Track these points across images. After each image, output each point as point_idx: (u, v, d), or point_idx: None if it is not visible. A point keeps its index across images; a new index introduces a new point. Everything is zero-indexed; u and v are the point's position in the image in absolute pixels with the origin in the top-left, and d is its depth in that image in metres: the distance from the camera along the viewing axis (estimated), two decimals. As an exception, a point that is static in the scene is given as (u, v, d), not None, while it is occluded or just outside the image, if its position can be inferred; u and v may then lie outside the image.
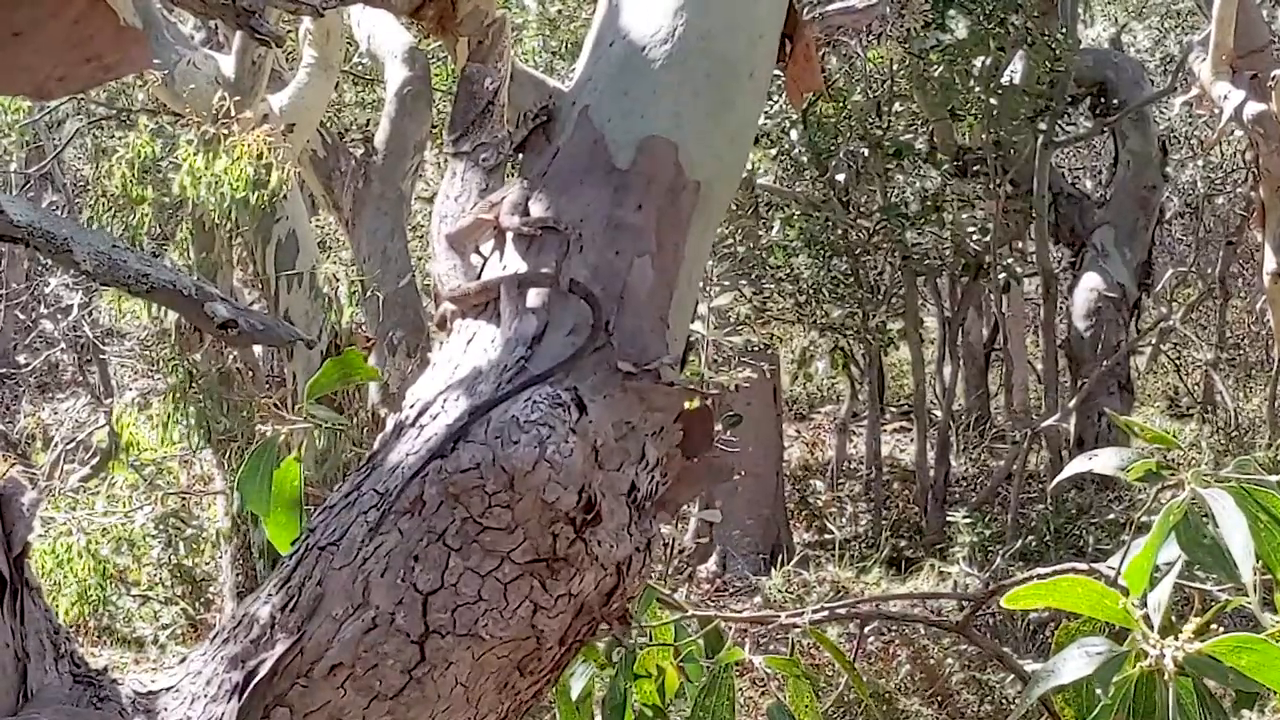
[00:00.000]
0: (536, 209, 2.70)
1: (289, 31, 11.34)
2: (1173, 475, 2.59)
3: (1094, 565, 3.05)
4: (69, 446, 13.97)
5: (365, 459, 2.61)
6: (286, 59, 11.92)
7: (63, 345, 19.10)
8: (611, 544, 2.49)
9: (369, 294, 10.56)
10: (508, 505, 2.39)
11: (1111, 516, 14.51)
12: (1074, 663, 2.36)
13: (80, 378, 18.25)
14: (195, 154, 9.79)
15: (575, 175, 2.73)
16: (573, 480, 2.41)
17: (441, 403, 2.54)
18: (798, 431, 19.77)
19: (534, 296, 2.61)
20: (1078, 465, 2.86)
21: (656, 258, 2.66)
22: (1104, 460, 2.76)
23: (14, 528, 2.42)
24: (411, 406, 2.60)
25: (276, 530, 3.00)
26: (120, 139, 12.71)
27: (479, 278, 2.73)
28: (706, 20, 2.81)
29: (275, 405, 10.02)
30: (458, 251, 2.77)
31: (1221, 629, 2.36)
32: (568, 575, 2.46)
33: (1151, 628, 2.35)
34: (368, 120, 15.00)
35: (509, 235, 2.71)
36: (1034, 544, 14.19)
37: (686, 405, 2.61)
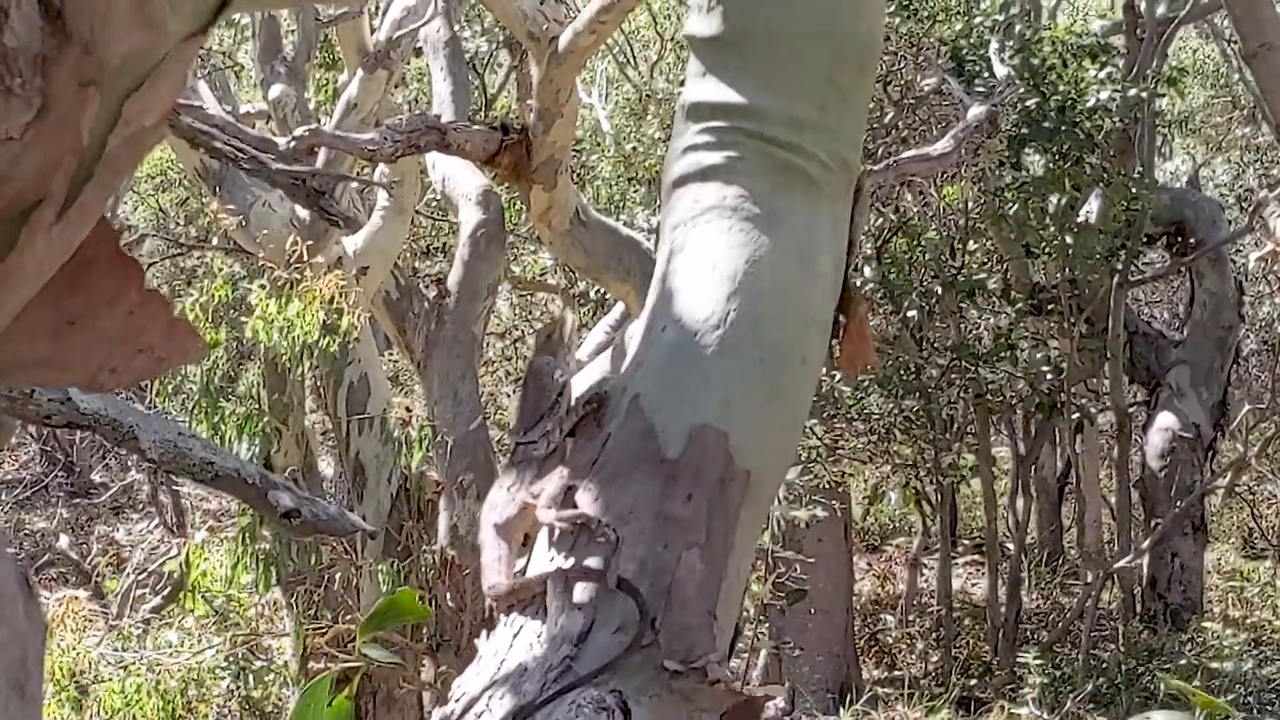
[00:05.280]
0: (585, 499, 2.68)
1: (362, 190, 11.42)
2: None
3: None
4: (141, 576, 14.02)
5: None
6: (361, 202, 12.00)
7: (136, 469, 19.24)
8: (655, 845, 2.47)
9: (439, 437, 10.56)
10: (551, 810, 2.38)
11: (1184, 661, 14.33)
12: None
13: (154, 498, 18.32)
14: (268, 298, 9.82)
15: (625, 465, 2.71)
16: (616, 785, 2.39)
17: (486, 700, 2.53)
18: (869, 564, 19.65)
19: (581, 592, 2.59)
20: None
21: (705, 550, 2.64)
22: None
23: None
24: (457, 700, 2.59)
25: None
26: (195, 283, 12.82)
27: (525, 571, 2.73)
28: (760, 306, 2.80)
29: (344, 552, 10.00)
30: (505, 541, 2.76)
31: None
32: None
33: None
34: (442, 257, 15.08)
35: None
36: (1105, 686, 14.03)
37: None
